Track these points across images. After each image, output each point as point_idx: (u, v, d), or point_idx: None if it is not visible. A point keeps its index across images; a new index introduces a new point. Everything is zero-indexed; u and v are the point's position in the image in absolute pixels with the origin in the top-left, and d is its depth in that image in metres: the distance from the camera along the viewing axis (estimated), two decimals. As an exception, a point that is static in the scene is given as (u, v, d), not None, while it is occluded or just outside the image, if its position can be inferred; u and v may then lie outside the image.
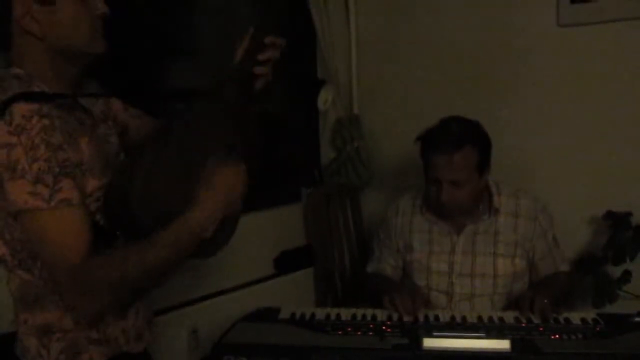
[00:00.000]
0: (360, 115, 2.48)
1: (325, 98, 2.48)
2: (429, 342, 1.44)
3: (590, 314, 1.60)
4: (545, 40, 2.07)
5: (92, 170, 1.08)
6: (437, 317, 1.61)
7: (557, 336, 1.47)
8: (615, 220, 1.99)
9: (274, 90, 1.32)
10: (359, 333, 1.51)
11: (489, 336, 1.47)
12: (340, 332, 1.52)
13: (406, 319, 1.59)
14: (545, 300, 1.60)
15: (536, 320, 1.57)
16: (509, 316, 1.61)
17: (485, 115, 1.79)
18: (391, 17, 2.39)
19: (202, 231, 1.12)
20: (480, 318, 1.60)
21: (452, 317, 1.60)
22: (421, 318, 1.60)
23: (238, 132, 1.25)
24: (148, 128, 1.32)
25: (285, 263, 2.41)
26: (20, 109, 0.98)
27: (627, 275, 1.97)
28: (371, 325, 1.56)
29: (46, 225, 1.00)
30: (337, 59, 2.45)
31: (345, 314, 1.63)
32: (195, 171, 1.16)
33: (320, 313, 1.65)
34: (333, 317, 1.62)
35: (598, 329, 1.52)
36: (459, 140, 1.67)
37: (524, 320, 1.58)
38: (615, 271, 1.99)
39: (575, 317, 1.59)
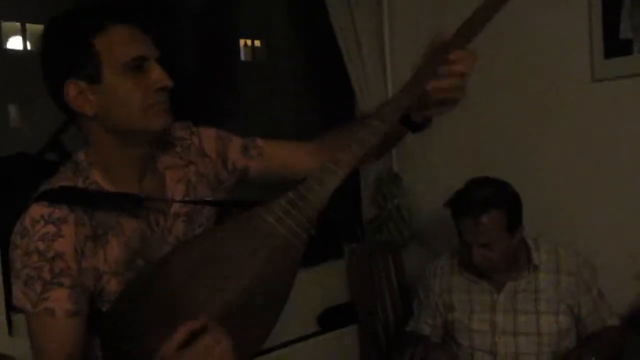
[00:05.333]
0: (400, 174, 2.53)
1: (365, 157, 2.53)
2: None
3: (643, 374, 1.56)
4: (580, 95, 2.08)
5: (118, 272, 1.03)
6: (481, 378, 1.59)
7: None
8: (666, 274, 1.93)
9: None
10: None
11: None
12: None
13: None
14: (593, 358, 1.56)
15: (584, 379, 1.54)
16: (556, 376, 1.58)
17: (522, 171, 1.79)
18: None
19: None
20: (526, 378, 1.58)
21: (497, 378, 1.59)
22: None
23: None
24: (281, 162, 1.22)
25: (329, 320, 2.43)
26: (34, 211, 0.98)
27: (682, 332, 1.89)
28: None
29: (31, 326, 1.01)
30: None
31: (388, 373, 1.64)
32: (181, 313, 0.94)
33: (363, 373, 1.66)
34: (376, 377, 1.63)
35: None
36: (483, 204, 1.69)
37: (571, 380, 1.55)
38: (669, 327, 1.92)
39: (626, 376, 1.55)
